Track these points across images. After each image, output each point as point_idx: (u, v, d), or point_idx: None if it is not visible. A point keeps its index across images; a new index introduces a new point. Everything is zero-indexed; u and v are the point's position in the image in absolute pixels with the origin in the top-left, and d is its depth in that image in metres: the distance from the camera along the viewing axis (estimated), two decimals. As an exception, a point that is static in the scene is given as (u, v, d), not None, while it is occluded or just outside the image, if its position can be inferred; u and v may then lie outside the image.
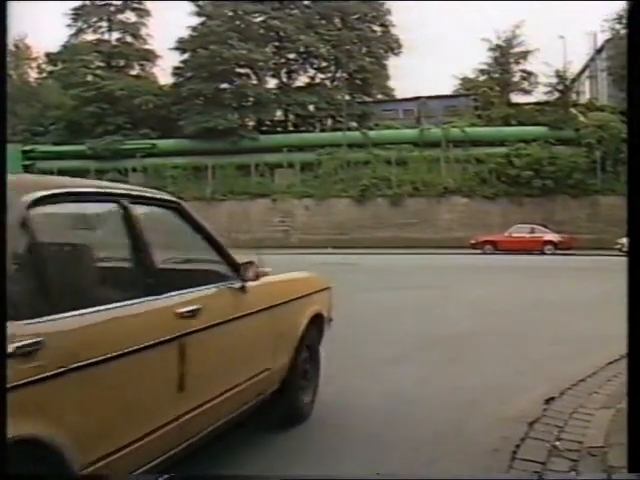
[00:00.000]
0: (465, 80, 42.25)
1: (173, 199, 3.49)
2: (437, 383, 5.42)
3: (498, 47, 39.40)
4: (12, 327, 2.05)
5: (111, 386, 2.55)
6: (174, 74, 40.15)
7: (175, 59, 40.07)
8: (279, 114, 41.78)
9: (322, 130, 40.09)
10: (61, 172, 29.46)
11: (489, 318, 9.19)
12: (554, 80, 35.46)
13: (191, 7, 39.74)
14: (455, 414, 4.49)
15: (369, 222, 33.41)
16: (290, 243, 31.55)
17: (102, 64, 41.44)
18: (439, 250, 27.44)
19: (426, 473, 3.50)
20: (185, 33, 39.34)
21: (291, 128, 41.11)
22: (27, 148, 36.25)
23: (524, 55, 38.94)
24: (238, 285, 3.61)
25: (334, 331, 4.86)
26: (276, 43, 41.13)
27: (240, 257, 3.76)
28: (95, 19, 42.03)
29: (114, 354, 2.52)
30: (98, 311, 2.55)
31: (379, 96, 43.40)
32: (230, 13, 38.96)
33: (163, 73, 45.63)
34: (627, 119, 2.56)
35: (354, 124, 38.12)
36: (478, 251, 28.30)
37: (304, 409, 4.31)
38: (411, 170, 34.35)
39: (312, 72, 42.50)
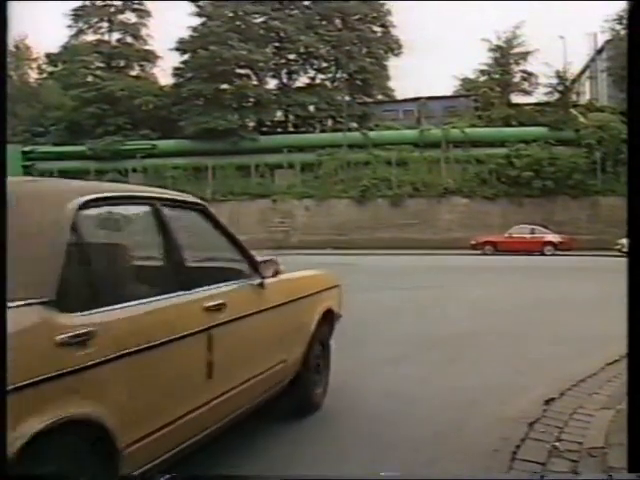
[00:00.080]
0: (465, 81, 42.34)
1: (199, 201, 3.78)
2: (437, 383, 5.42)
3: (498, 48, 39.41)
4: (66, 319, 2.34)
5: (151, 372, 2.80)
6: (174, 75, 40.18)
7: (175, 60, 40.20)
8: (279, 115, 41.79)
9: (322, 131, 40.06)
10: (61, 173, 29.51)
11: (489, 318, 9.20)
12: (554, 81, 35.54)
13: (191, 8, 39.81)
14: (455, 414, 4.50)
15: (369, 223, 33.40)
16: (290, 244, 31.49)
17: (102, 65, 41.47)
18: (439, 251, 27.43)
19: (426, 473, 3.49)
20: (185, 34, 39.43)
21: (291, 129, 41.12)
22: (27, 149, 36.28)
23: (524, 56, 38.97)
24: (257, 282, 3.85)
25: (334, 331, 4.87)
26: (276, 44, 41.13)
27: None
28: (95, 20, 42.04)
29: (155, 343, 2.77)
30: (139, 304, 2.81)
31: (379, 97, 43.34)
32: (230, 14, 38.94)
33: (163, 74, 45.69)
34: (627, 120, 2.56)
35: (354, 125, 38.10)
36: (478, 252, 28.30)
37: (316, 400, 4.53)
38: (411, 171, 34.37)
39: (312, 73, 42.54)
